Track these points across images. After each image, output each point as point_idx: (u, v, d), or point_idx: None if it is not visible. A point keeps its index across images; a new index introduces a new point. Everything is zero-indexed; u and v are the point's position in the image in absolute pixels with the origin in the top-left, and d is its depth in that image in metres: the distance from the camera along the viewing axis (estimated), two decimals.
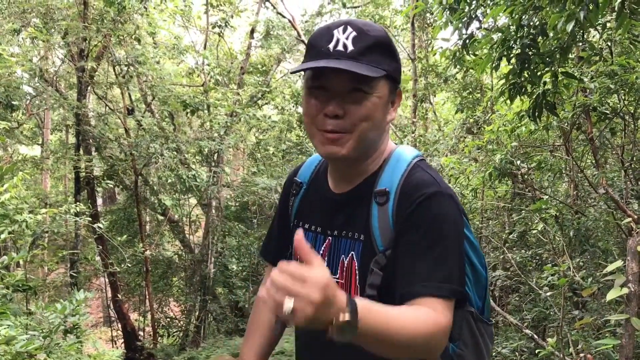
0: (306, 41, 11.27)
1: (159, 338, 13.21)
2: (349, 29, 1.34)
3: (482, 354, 1.50)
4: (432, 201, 1.32)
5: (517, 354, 5.53)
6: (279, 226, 1.71)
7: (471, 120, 7.69)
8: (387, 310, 1.17)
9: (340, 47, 1.33)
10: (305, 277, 1.00)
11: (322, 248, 1.51)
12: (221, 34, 12.36)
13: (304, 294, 0.99)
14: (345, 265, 1.44)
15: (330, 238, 1.49)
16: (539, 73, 3.91)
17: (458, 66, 5.30)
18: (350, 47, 1.32)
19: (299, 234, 1.08)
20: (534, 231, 6.07)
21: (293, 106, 13.62)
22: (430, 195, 1.33)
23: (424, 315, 1.23)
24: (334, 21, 1.40)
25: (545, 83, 4.01)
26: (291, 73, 1.47)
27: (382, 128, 1.42)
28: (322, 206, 1.55)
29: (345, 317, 1.04)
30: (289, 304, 0.99)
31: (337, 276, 1.45)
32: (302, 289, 1.00)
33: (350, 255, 1.44)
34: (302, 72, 1.45)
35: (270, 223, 1.80)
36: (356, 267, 1.42)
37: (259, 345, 1.71)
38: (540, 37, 3.73)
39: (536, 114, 3.98)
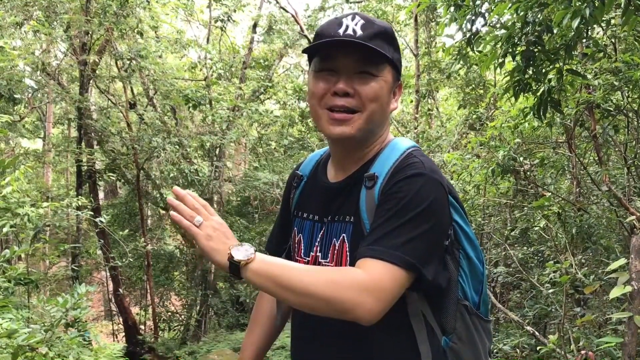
0: (309, 36, 11.27)
1: (160, 332, 13.23)
2: (357, 18, 1.42)
3: (477, 348, 1.50)
4: (410, 179, 1.35)
5: (518, 350, 5.53)
6: (282, 218, 1.77)
7: (474, 116, 7.68)
8: (287, 262, 1.36)
9: (349, 32, 1.40)
10: (214, 213, 1.37)
11: (319, 235, 1.54)
12: (224, 28, 12.34)
13: (212, 218, 1.34)
14: (337, 247, 1.48)
15: (326, 224, 1.53)
16: (543, 70, 3.90)
17: (462, 62, 5.27)
18: (360, 32, 1.39)
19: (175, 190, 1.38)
20: (536, 228, 6.07)
21: (295, 101, 13.60)
22: (412, 175, 1.36)
23: (339, 270, 1.32)
24: (343, 14, 1.46)
25: (550, 80, 3.99)
26: (303, 52, 1.51)
27: (385, 113, 1.48)
28: (319, 196, 1.59)
29: (239, 248, 1.29)
30: (200, 219, 1.33)
31: (328, 260, 1.48)
32: (210, 216, 1.35)
33: (341, 237, 1.47)
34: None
35: (278, 216, 1.84)
36: (347, 249, 1.45)
37: (259, 337, 1.80)
38: (545, 34, 3.71)
39: (541, 111, 3.96)
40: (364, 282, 1.26)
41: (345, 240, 1.46)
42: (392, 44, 1.45)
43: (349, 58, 1.40)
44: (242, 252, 1.29)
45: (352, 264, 1.38)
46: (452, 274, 1.44)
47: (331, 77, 1.42)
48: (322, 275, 1.29)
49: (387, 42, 1.43)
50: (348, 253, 1.45)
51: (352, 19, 1.42)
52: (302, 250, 1.58)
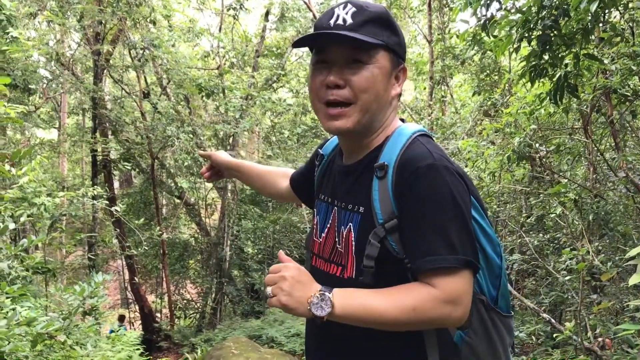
0: None
1: (176, 320, 13.36)
2: (349, 6, 1.41)
3: (493, 343, 1.48)
4: (424, 175, 1.33)
5: (534, 337, 5.51)
6: (306, 169, 1.86)
7: (489, 102, 7.61)
8: (364, 294, 1.34)
9: (339, 22, 1.40)
10: (279, 269, 1.36)
11: (331, 218, 1.56)
12: (236, 17, 12.28)
13: (276, 280, 1.34)
14: (344, 236, 1.48)
15: (336, 208, 1.55)
16: (560, 55, 3.84)
17: (477, 48, 5.21)
18: (350, 21, 1.39)
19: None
20: (552, 215, 6.02)
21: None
22: (423, 169, 1.34)
23: (416, 294, 1.31)
24: (337, 3, 1.46)
25: (566, 65, 3.94)
26: (292, 47, 1.52)
27: (384, 101, 1.45)
28: (333, 178, 1.62)
29: (315, 299, 1.31)
30: (268, 289, 1.35)
31: (341, 245, 1.50)
32: (274, 277, 1.35)
33: (348, 226, 1.48)
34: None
35: (306, 162, 1.90)
36: (352, 239, 1.45)
37: (254, 170, 2.11)
38: (561, 18, 3.65)
39: (557, 96, 3.92)
40: (441, 298, 1.29)
41: (352, 230, 1.46)
42: (388, 28, 1.43)
43: (339, 48, 1.40)
44: (320, 307, 1.32)
45: (358, 253, 1.42)
46: None
47: (325, 70, 1.42)
48: (403, 304, 1.31)
49: (380, 26, 1.41)
50: (354, 243, 1.45)
51: (344, 7, 1.41)
52: (318, 232, 1.61)
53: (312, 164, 1.80)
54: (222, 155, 2.15)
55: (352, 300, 1.33)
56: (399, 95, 1.51)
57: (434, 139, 1.50)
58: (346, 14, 1.40)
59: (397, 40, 1.45)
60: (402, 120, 1.57)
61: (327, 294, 1.31)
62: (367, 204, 1.43)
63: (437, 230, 1.31)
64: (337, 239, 1.51)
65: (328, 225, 1.56)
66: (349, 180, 1.52)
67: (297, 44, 1.45)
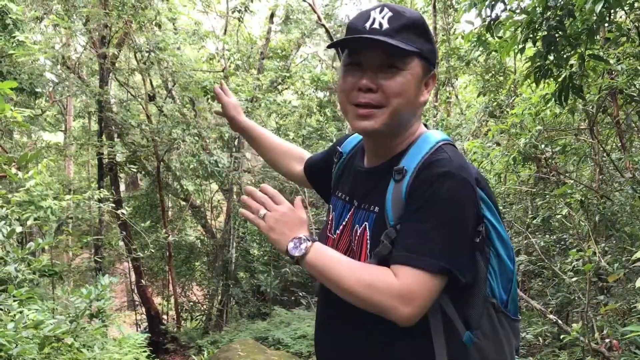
0: (326, 25, 11.22)
1: (183, 322, 13.37)
2: (386, 10, 1.41)
3: (501, 346, 1.49)
4: (438, 180, 1.34)
5: (540, 339, 5.49)
6: (325, 156, 1.88)
7: (494, 103, 7.60)
8: (337, 257, 1.42)
9: (376, 25, 1.40)
10: (283, 202, 1.49)
11: (348, 216, 1.58)
12: (241, 19, 12.30)
13: (275, 209, 1.47)
14: (358, 234, 1.50)
15: (354, 207, 1.56)
16: (565, 55, 3.84)
17: (481, 49, 5.21)
18: (386, 26, 1.39)
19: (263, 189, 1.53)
20: (558, 216, 6.00)
21: (313, 91, 13.55)
22: (439, 175, 1.35)
23: (378, 275, 1.35)
24: (374, 5, 1.46)
25: (571, 66, 3.93)
26: (328, 48, 1.54)
27: (414, 107, 1.47)
28: (353, 177, 1.63)
29: (295, 243, 1.41)
30: (263, 211, 1.47)
31: (355, 244, 1.52)
32: (275, 206, 1.47)
33: (363, 225, 1.50)
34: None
35: (324, 152, 1.93)
36: (367, 238, 1.47)
37: (268, 138, 2.11)
38: (566, 19, 3.65)
39: (562, 97, 3.91)
40: (396, 289, 1.32)
41: (367, 229, 1.48)
42: (423, 35, 1.44)
43: (374, 52, 1.40)
44: (297, 247, 1.41)
45: (372, 251, 1.43)
46: (481, 271, 1.43)
47: (357, 72, 1.43)
48: (363, 277, 1.35)
49: (416, 33, 1.42)
50: (368, 241, 1.47)
51: (381, 11, 1.41)
52: (332, 228, 1.63)
53: (330, 159, 1.81)
54: (233, 109, 2.12)
55: (323, 257, 1.41)
56: (427, 101, 1.52)
57: (456, 146, 1.50)
58: (382, 18, 1.40)
59: (431, 47, 1.47)
60: (425, 126, 1.57)
61: (306, 243, 1.41)
62: (381, 205, 1.45)
63: (424, 231, 1.34)
64: (352, 238, 1.53)
65: (344, 223, 1.58)
66: (368, 183, 1.54)
67: (333, 45, 1.47)
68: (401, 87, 1.40)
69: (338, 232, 1.60)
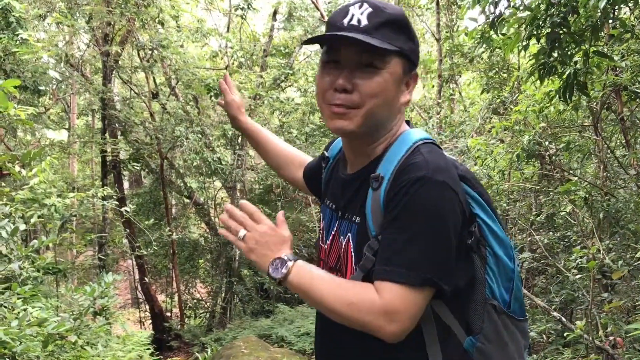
0: None
1: (186, 319, 13.39)
2: (365, 5, 1.35)
3: (507, 349, 1.44)
4: (412, 186, 1.28)
5: (544, 336, 5.49)
6: (316, 168, 1.83)
7: (498, 100, 7.58)
8: (319, 275, 1.37)
9: (354, 22, 1.34)
10: (263, 220, 1.41)
11: (335, 226, 1.54)
12: (244, 16, 12.29)
13: (255, 228, 1.39)
14: (343, 246, 1.46)
15: (338, 217, 1.53)
16: (569, 52, 3.82)
17: (485, 46, 5.19)
18: (365, 22, 1.33)
19: (242, 205, 1.45)
20: (562, 213, 5.99)
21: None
22: (413, 180, 1.29)
23: (359, 293, 1.30)
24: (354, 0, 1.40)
25: (576, 62, 3.92)
26: (303, 44, 1.51)
27: (392, 107, 1.41)
28: (337, 186, 1.58)
29: (276, 264, 1.35)
30: (243, 232, 1.40)
31: (343, 256, 1.48)
32: (255, 226, 1.40)
33: (347, 237, 1.46)
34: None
35: (318, 157, 1.88)
36: (351, 249, 1.43)
37: (264, 136, 2.06)
38: (570, 15, 3.63)
39: (567, 94, 3.89)
40: (379, 307, 1.27)
41: (350, 241, 1.44)
42: (404, 33, 1.38)
43: (351, 50, 1.34)
44: (278, 269, 1.36)
45: (358, 263, 1.39)
46: (479, 272, 1.40)
47: (334, 70, 1.37)
48: (345, 296, 1.31)
49: (396, 31, 1.36)
50: (352, 253, 1.43)
51: (360, 7, 1.35)
52: (324, 238, 1.59)
53: (319, 165, 1.78)
54: (236, 108, 2.05)
55: (305, 277, 1.35)
56: (408, 102, 1.46)
57: (437, 144, 1.44)
58: (361, 14, 1.34)
59: (413, 46, 1.41)
60: (408, 122, 1.52)
61: (287, 263, 1.35)
62: (362, 214, 1.41)
63: (403, 242, 1.28)
64: (339, 249, 1.49)
65: (333, 233, 1.54)
66: (349, 192, 1.49)
67: (308, 41, 1.41)
68: (378, 88, 1.34)
69: (328, 242, 1.56)
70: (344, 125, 1.37)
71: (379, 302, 1.27)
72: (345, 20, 1.35)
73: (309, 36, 13.69)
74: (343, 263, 1.46)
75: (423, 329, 1.36)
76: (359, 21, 1.33)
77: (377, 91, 1.34)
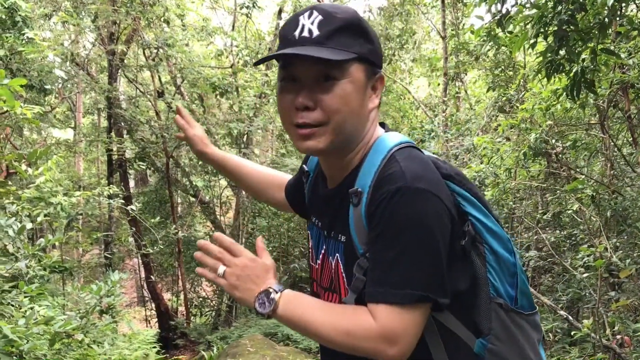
0: None
1: (192, 317, 13.41)
2: (315, 14, 1.27)
3: (520, 346, 1.40)
4: (392, 200, 1.22)
5: (551, 335, 5.48)
6: (297, 183, 1.73)
7: (504, 98, 7.56)
8: (309, 304, 1.30)
9: (305, 33, 1.26)
10: (241, 252, 1.33)
11: (324, 246, 1.47)
12: (249, 15, 12.29)
13: (234, 263, 1.32)
14: (333, 267, 1.41)
15: (325, 236, 1.46)
16: (577, 50, 3.80)
17: (492, 44, 5.17)
18: (316, 32, 1.25)
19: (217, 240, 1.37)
20: (569, 211, 5.96)
21: None
22: (392, 194, 1.22)
23: (354, 319, 1.25)
24: (303, 8, 1.32)
25: (583, 60, 3.90)
26: (254, 65, 1.43)
27: (361, 116, 1.33)
28: (319, 201, 1.52)
29: (262, 298, 1.29)
30: (222, 268, 1.31)
31: (335, 276, 1.42)
32: (234, 260, 1.32)
33: (336, 257, 1.40)
34: None
35: (297, 173, 1.77)
36: (341, 270, 1.38)
37: (243, 165, 1.89)
38: (578, 13, 3.61)
39: (574, 91, 3.88)
40: (377, 332, 1.22)
41: (339, 261, 1.39)
42: (361, 36, 1.29)
43: (307, 65, 1.26)
44: (264, 303, 1.29)
45: (349, 283, 1.34)
46: (480, 272, 1.35)
47: (294, 87, 1.29)
48: (340, 325, 1.25)
49: (351, 35, 1.28)
50: (343, 274, 1.38)
51: (309, 16, 1.27)
52: (314, 257, 1.54)
53: (300, 180, 1.70)
54: (200, 142, 1.86)
55: (294, 308, 1.29)
56: (378, 106, 1.39)
57: (414, 146, 1.38)
58: (312, 23, 1.26)
59: (372, 47, 1.32)
60: (383, 125, 1.45)
61: (273, 295, 1.28)
62: (347, 232, 1.34)
63: (391, 260, 1.22)
64: (330, 269, 1.44)
65: (322, 251, 1.48)
66: (330, 210, 1.43)
67: (260, 62, 1.35)
68: (341, 100, 1.26)
69: (319, 262, 1.50)
70: (313, 145, 1.30)
71: (376, 326, 1.22)
72: (297, 33, 1.27)
73: None
74: (336, 284, 1.41)
75: (427, 339, 1.32)
76: (310, 32, 1.26)
77: (341, 104, 1.26)
